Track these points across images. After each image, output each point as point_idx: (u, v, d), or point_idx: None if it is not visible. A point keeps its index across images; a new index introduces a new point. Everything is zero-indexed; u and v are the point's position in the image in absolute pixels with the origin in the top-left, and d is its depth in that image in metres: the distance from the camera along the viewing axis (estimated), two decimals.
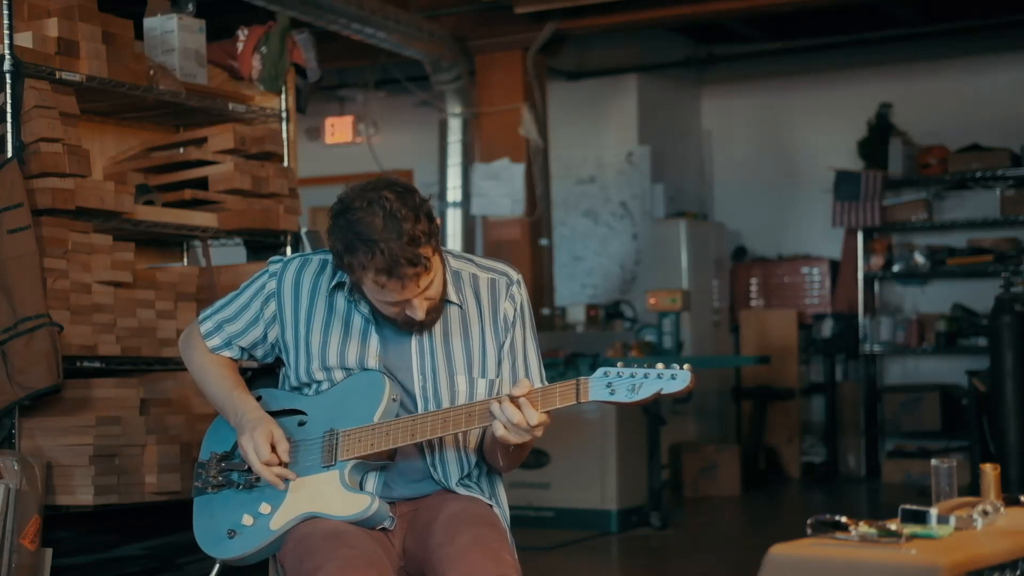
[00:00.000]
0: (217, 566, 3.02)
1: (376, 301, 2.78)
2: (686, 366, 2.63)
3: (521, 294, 2.94)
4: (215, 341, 3.01)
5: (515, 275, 2.95)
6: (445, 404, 2.84)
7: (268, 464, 2.80)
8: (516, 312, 2.92)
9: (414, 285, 2.71)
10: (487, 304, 2.91)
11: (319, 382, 2.91)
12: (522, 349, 2.93)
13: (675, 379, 2.60)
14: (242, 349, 3.02)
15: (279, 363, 3.03)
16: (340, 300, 2.90)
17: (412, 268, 2.67)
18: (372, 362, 2.86)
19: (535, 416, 2.66)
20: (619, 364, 2.66)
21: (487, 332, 2.90)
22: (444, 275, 2.84)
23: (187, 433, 4.26)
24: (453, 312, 2.89)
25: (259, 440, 2.81)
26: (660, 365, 2.63)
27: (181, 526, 3.29)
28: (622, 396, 2.62)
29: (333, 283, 2.90)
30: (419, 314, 2.76)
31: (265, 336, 2.98)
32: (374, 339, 2.87)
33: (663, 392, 2.61)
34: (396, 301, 2.74)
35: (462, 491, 2.89)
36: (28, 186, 4.09)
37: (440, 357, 2.87)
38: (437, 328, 2.87)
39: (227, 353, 3.02)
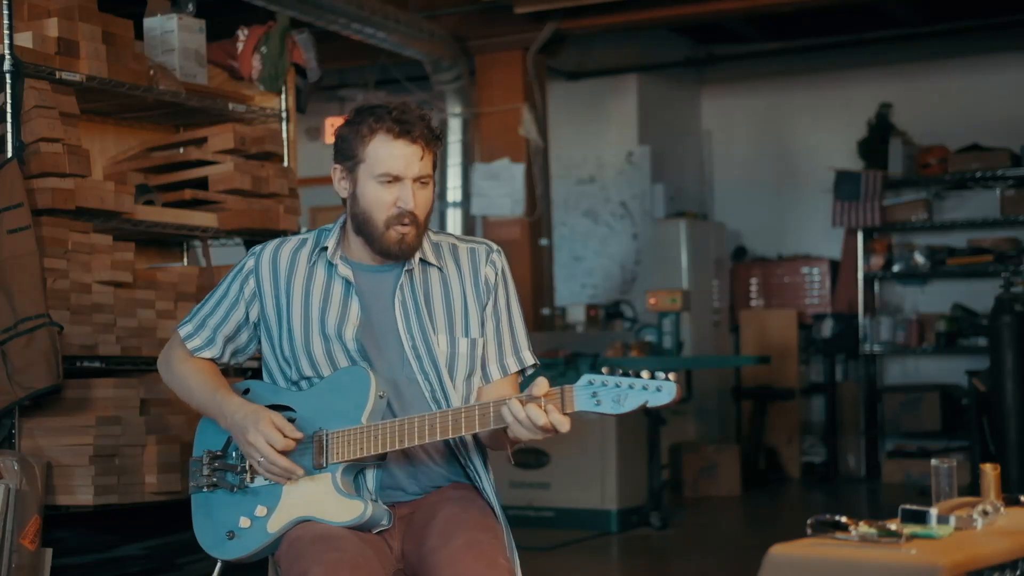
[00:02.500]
0: (219, 565, 3.02)
1: (376, 181, 2.82)
2: (671, 375, 2.59)
3: (501, 261, 2.98)
4: (197, 341, 3.00)
5: (495, 246, 3.01)
6: (438, 361, 2.86)
7: (285, 451, 2.79)
8: (498, 276, 2.96)
9: (420, 148, 2.81)
10: (467, 268, 2.95)
11: (298, 358, 2.89)
12: (506, 311, 2.96)
13: (660, 391, 2.57)
14: (227, 340, 3.00)
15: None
16: (320, 270, 2.93)
17: (424, 128, 2.81)
18: (350, 331, 2.87)
19: (541, 417, 2.63)
20: (604, 370, 2.62)
21: (468, 293, 2.93)
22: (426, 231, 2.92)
23: (187, 433, 4.26)
24: (433, 275, 2.93)
25: (267, 431, 2.80)
26: (646, 374, 2.59)
27: (181, 526, 3.29)
28: (607, 407, 2.59)
29: (317, 248, 2.93)
30: (411, 202, 2.81)
31: (247, 316, 2.98)
32: (354, 304, 2.89)
33: (648, 405, 2.58)
34: (397, 175, 2.80)
35: (455, 476, 2.90)
36: (28, 186, 4.09)
37: (423, 316, 2.89)
38: (419, 290, 2.90)
39: (208, 353, 3.00)
